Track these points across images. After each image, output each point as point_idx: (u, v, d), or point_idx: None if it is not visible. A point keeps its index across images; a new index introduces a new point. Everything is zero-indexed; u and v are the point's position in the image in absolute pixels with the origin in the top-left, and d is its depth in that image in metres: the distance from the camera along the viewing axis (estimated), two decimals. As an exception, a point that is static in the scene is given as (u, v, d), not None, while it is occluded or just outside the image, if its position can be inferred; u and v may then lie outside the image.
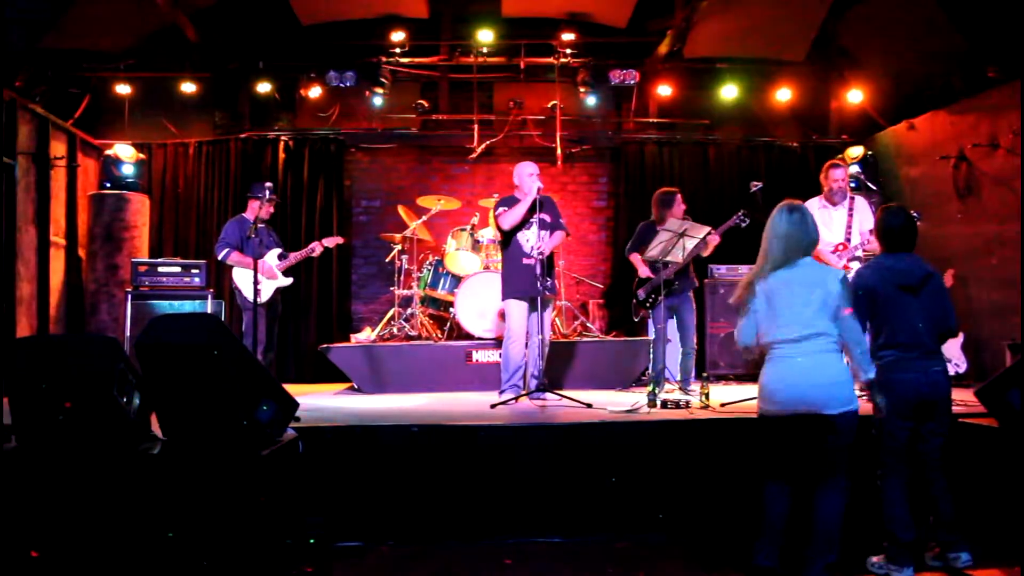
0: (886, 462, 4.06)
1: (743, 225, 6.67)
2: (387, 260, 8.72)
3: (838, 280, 3.71)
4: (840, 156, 8.60)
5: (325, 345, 7.95)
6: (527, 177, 6.45)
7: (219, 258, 7.20)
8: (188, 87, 9.06)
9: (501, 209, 6.48)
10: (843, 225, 6.44)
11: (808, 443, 3.70)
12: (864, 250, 6.32)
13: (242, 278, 7.10)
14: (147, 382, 4.09)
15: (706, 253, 6.86)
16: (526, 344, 6.44)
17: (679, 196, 6.99)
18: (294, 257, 7.34)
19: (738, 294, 3.84)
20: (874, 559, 4.08)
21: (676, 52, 8.98)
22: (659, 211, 6.93)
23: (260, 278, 6.53)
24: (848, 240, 6.37)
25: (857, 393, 3.79)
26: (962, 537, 4.05)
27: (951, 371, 7.13)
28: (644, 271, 6.84)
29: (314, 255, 7.53)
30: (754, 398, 5.82)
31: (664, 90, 9.37)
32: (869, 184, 8.84)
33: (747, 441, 4.84)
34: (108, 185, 8.68)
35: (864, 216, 6.48)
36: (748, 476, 4.73)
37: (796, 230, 3.74)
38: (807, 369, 3.63)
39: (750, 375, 8.16)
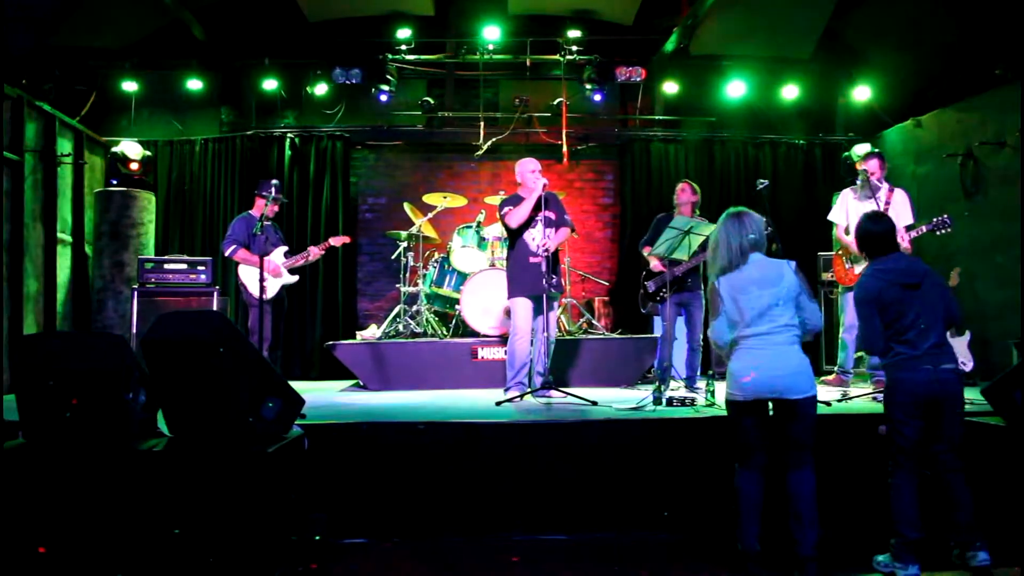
0: (896, 459, 4.06)
1: None
2: (393, 257, 8.73)
3: (792, 271, 3.98)
4: (874, 150, 8.12)
5: (331, 342, 7.96)
6: (529, 174, 6.44)
7: (226, 255, 7.21)
8: (194, 84, 9.09)
9: (507, 208, 6.47)
10: None
11: (773, 426, 3.99)
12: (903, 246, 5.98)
13: (248, 275, 7.11)
14: (153, 379, 4.10)
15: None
16: (531, 341, 6.44)
17: (681, 185, 7.02)
18: (299, 259, 7.34)
19: (708, 299, 4.15)
20: (879, 557, 4.09)
21: (682, 49, 8.98)
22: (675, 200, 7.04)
23: (266, 275, 6.54)
24: None
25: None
26: (981, 537, 4.02)
27: (957, 369, 7.13)
28: (656, 265, 6.80)
29: (310, 259, 7.47)
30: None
31: (670, 87, 9.38)
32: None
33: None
34: (114, 182, 8.69)
35: (902, 211, 6.28)
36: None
37: (733, 235, 4.02)
38: (772, 359, 3.89)
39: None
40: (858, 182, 6.46)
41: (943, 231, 6.02)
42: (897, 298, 4.05)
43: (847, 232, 6.42)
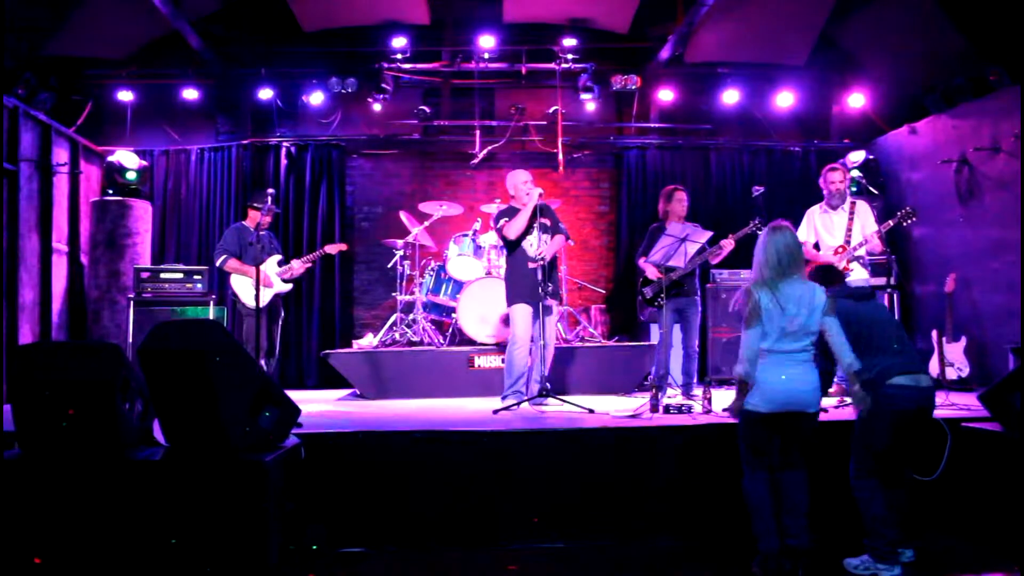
0: (867, 464, 4.18)
1: (759, 233, 6.67)
2: (389, 266, 8.72)
3: (823, 294, 4.13)
4: (840, 160, 8.52)
5: (327, 351, 7.95)
6: (522, 184, 6.47)
7: (217, 265, 7.20)
8: (190, 94, 9.08)
9: (503, 221, 6.46)
10: (843, 228, 6.53)
11: (792, 435, 4.13)
12: (868, 252, 6.51)
13: (240, 284, 7.09)
14: (150, 389, 4.10)
15: (716, 260, 6.85)
16: (530, 350, 6.43)
17: (678, 192, 6.99)
18: (285, 271, 7.25)
19: (747, 306, 4.10)
20: (852, 560, 4.17)
21: (677, 57, 9.00)
22: (663, 206, 6.99)
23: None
24: (847, 242, 6.45)
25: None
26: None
27: (954, 375, 7.17)
28: (653, 273, 6.81)
29: (293, 274, 7.32)
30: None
31: (665, 95, 9.39)
32: (870, 188, 8.85)
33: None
34: (110, 192, 8.67)
35: (865, 219, 6.57)
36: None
37: (792, 247, 4.16)
38: (800, 375, 4.05)
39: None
40: (824, 195, 6.73)
41: (909, 222, 6.29)
42: None
43: (817, 248, 6.70)
